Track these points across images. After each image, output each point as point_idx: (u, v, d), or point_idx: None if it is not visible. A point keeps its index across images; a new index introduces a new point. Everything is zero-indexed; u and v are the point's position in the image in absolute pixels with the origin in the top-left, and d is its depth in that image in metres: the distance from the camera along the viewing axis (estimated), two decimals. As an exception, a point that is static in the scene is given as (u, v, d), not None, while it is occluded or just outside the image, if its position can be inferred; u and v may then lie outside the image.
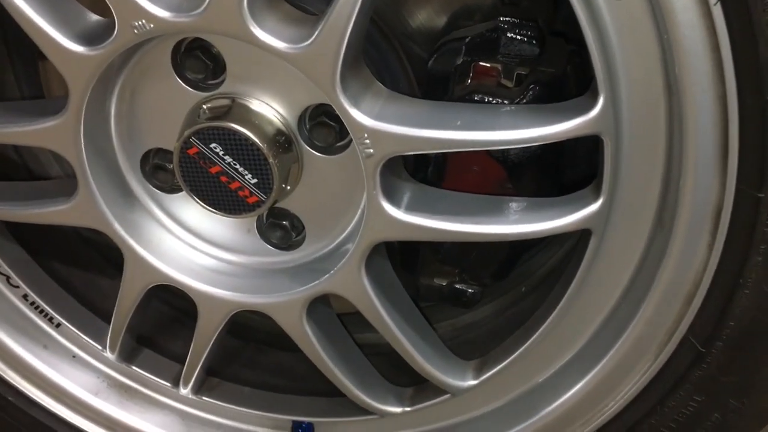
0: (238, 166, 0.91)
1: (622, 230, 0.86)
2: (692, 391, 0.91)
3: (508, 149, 0.93)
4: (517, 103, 0.89)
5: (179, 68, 0.92)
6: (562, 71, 0.91)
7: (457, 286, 1.08)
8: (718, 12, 0.68)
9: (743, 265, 0.81)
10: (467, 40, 0.89)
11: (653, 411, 0.95)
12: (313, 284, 0.98)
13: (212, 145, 0.91)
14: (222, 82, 0.92)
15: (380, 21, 0.94)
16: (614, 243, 0.88)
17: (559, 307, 0.94)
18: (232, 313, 1.04)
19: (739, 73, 0.71)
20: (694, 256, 0.83)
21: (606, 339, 0.94)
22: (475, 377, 1.03)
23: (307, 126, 0.93)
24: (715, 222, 0.80)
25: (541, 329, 0.96)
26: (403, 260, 1.07)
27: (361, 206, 0.95)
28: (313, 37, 0.79)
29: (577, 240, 1.14)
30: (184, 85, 0.93)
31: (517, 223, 0.88)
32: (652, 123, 0.79)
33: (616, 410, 0.96)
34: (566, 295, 0.93)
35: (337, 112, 0.84)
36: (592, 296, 0.92)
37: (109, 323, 1.12)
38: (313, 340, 1.02)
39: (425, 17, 0.98)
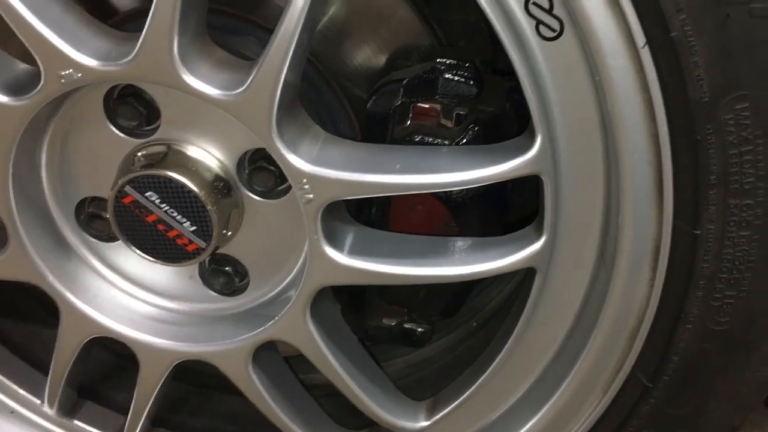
0: (175, 214, 0.89)
1: (566, 268, 0.86)
2: (641, 426, 0.91)
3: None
4: (458, 142, 0.89)
5: (112, 115, 0.90)
6: (501, 109, 0.92)
7: (406, 325, 1.06)
8: (646, 55, 0.69)
9: (684, 300, 0.81)
10: (405, 81, 0.89)
11: (604, 447, 0.94)
12: (257, 331, 0.95)
13: (148, 194, 0.88)
14: (157, 128, 0.90)
15: (318, 62, 0.94)
16: (558, 281, 0.88)
17: (507, 346, 0.93)
18: (175, 363, 1.00)
19: (669, 113, 0.71)
20: (636, 291, 0.84)
21: (554, 377, 0.94)
22: (428, 418, 1.01)
23: (247, 171, 0.91)
24: (654, 258, 0.81)
25: (491, 368, 0.95)
26: (350, 302, 1.05)
27: (304, 250, 0.94)
28: (247, 83, 0.78)
29: (524, 275, 1.15)
30: (117, 132, 0.91)
31: (461, 264, 0.87)
32: (589, 161, 0.79)
33: (567, 448, 0.96)
34: (514, 334, 0.92)
35: (275, 158, 0.83)
36: (539, 334, 0.92)
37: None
38: (260, 387, 0.99)
39: (363, 58, 0.98)
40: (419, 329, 1.07)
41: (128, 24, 0.92)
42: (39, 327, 1.21)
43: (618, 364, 0.89)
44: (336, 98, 0.95)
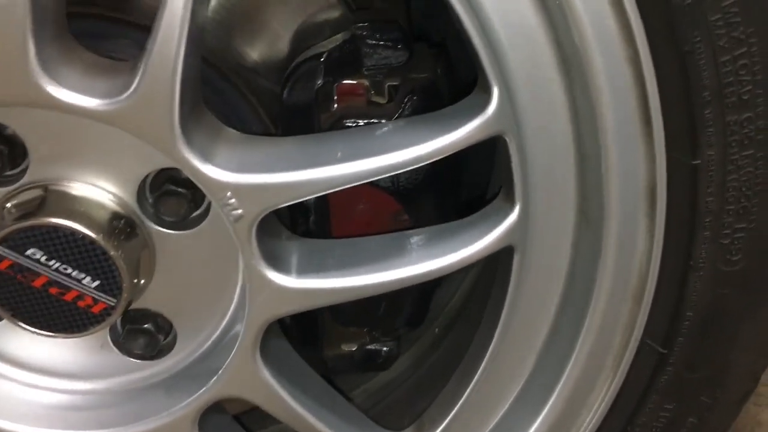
0: (69, 271, 0.71)
1: (546, 238, 0.75)
2: (661, 400, 0.80)
3: (397, 175, 0.79)
4: (396, 119, 0.76)
5: (-38, 163, 0.71)
6: (434, 74, 0.79)
7: (370, 347, 0.92)
8: (615, -41, 0.59)
9: (691, 244, 0.71)
10: (324, 56, 0.75)
11: (623, 434, 0.83)
12: (199, 393, 0.78)
13: (29, 252, 0.70)
14: (25, 169, 0.72)
15: (213, 58, 0.78)
16: (540, 254, 0.76)
17: (493, 342, 0.80)
18: (103, 457, 0.81)
19: (648, 26, 0.61)
20: (633, 246, 0.73)
21: (553, 364, 0.81)
22: (418, 446, 0.87)
23: (151, 200, 0.74)
24: (650, 202, 0.70)
25: (480, 370, 0.82)
26: (299, 335, 0.90)
27: (239, 284, 0.78)
28: (135, 83, 0.61)
29: (482, 267, 1.03)
30: (-27, 183, 0.72)
31: (432, 258, 0.74)
32: (556, 106, 0.68)
33: (582, 443, 0.84)
34: (499, 326, 0.79)
35: (186, 174, 0.66)
36: (526, 320, 0.79)
37: None
38: (215, 461, 0.82)
39: (266, 45, 0.83)
40: (384, 348, 0.93)
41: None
42: None
43: (625, 335, 0.77)
44: (241, 96, 0.80)
